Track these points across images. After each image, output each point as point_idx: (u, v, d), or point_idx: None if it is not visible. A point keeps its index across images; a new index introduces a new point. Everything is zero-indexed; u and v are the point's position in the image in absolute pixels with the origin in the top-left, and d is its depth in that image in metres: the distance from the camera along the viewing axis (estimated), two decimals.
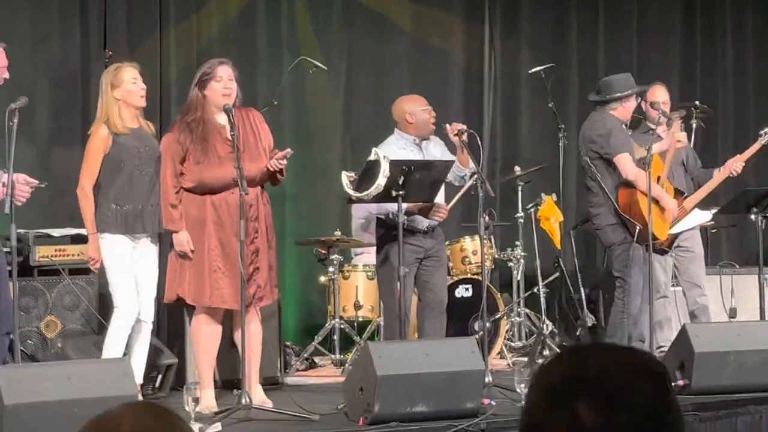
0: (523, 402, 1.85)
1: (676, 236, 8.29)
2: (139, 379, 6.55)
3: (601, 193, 7.89)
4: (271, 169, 6.71)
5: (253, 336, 6.69)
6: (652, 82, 8.62)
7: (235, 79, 6.81)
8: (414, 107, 7.51)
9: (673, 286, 8.58)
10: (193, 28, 9.32)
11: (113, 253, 6.58)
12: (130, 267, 6.62)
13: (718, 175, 8.37)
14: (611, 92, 8.02)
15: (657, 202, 7.83)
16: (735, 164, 8.33)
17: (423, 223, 7.44)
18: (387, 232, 7.37)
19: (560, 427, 1.74)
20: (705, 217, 8.49)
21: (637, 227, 7.66)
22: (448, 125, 7.33)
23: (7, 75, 6.30)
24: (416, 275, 7.48)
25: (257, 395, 6.63)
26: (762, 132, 8.35)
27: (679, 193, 8.25)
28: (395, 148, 7.35)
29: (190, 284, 6.64)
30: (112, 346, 6.50)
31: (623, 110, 8.03)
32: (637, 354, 1.84)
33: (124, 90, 6.62)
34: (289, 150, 6.78)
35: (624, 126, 8.05)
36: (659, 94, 8.38)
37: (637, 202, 7.70)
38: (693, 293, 8.46)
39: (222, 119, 6.67)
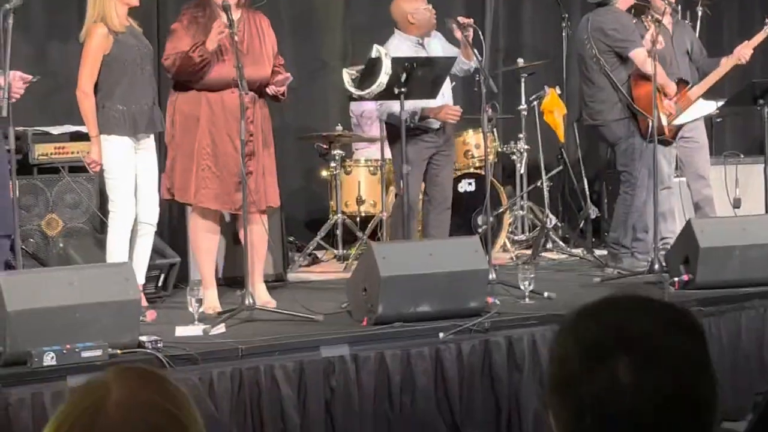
0: (553, 349, 1.79)
1: (680, 127, 8.21)
2: (141, 279, 6.54)
3: (609, 87, 7.78)
4: (270, 93, 6.61)
5: (255, 237, 6.64)
6: None
7: None
8: (415, 6, 7.39)
9: (676, 177, 8.52)
10: None
11: (117, 155, 6.49)
12: (132, 169, 6.55)
13: (725, 63, 8.22)
14: None
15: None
16: (743, 51, 8.20)
17: (435, 122, 7.36)
18: (397, 129, 7.28)
19: (597, 383, 1.69)
20: (710, 107, 8.39)
21: (649, 119, 7.57)
22: (451, 21, 7.20)
23: None
24: (425, 171, 7.46)
25: (261, 295, 6.62)
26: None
27: (683, 83, 8.14)
28: (399, 50, 7.22)
29: (179, 181, 6.59)
30: (116, 251, 6.47)
31: (624, 1, 7.90)
32: (678, 311, 1.78)
33: None
34: (289, 75, 6.66)
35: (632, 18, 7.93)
36: None
37: (649, 94, 7.59)
38: (697, 184, 8.41)
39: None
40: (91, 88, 6.44)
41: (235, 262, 7.28)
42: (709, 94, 8.39)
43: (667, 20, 8.26)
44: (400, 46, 7.34)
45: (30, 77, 6.13)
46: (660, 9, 8.04)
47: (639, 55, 7.69)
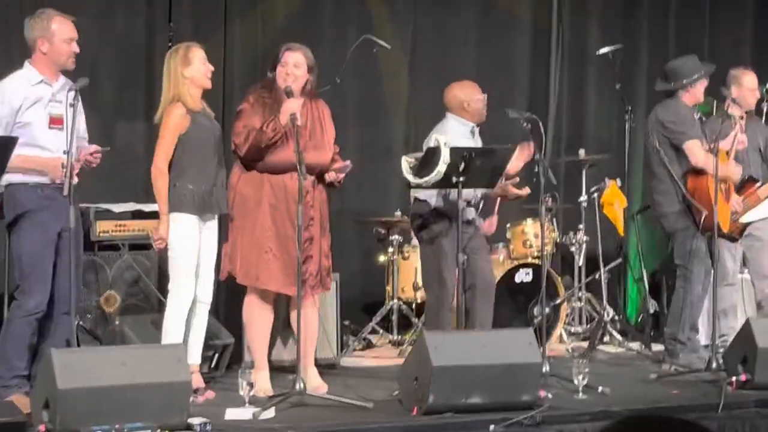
0: None
1: (747, 224, 8.15)
2: (197, 359, 6.57)
3: (668, 179, 7.77)
4: (329, 180, 6.69)
5: (309, 321, 6.67)
6: (721, 64, 8.44)
7: (309, 66, 6.75)
8: (471, 95, 7.46)
9: (741, 274, 8.45)
10: (258, 3, 9.26)
11: (184, 235, 6.50)
12: (196, 250, 6.57)
13: None
14: (678, 79, 7.90)
15: (724, 190, 7.70)
16: None
17: (471, 213, 7.39)
18: (431, 215, 7.29)
19: None
20: None
21: (704, 213, 7.53)
22: (512, 111, 7.28)
23: (77, 49, 6.28)
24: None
25: (312, 380, 6.62)
26: None
27: (752, 181, 8.09)
28: (457, 135, 7.26)
29: (241, 263, 6.64)
30: (172, 330, 6.47)
31: (691, 95, 7.90)
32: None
33: (195, 69, 6.56)
34: (348, 163, 6.75)
35: (695, 112, 7.91)
36: (747, 80, 8.24)
37: (705, 188, 7.56)
38: (761, 284, 8.33)
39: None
40: (166, 166, 6.49)
41: (287, 346, 7.28)
42: None
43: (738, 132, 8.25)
44: (457, 128, 7.38)
45: (99, 148, 6.25)
46: (751, 105, 8.09)
47: (692, 147, 7.67)
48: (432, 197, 7.27)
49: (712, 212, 7.45)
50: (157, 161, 6.49)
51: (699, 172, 7.67)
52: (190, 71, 6.54)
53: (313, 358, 6.89)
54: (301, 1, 9.49)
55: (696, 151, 7.65)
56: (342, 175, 6.73)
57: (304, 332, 6.48)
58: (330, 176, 6.68)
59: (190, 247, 6.54)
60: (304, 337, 6.50)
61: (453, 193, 7.13)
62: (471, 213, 7.42)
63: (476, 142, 7.45)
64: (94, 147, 6.24)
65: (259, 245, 6.59)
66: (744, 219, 8.08)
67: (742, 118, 7.75)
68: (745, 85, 8.25)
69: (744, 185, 8.08)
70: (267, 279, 6.61)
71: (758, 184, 8.12)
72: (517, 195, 7.51)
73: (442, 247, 7.27)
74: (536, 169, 7.15)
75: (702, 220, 7.58)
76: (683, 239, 7.76)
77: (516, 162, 7.30)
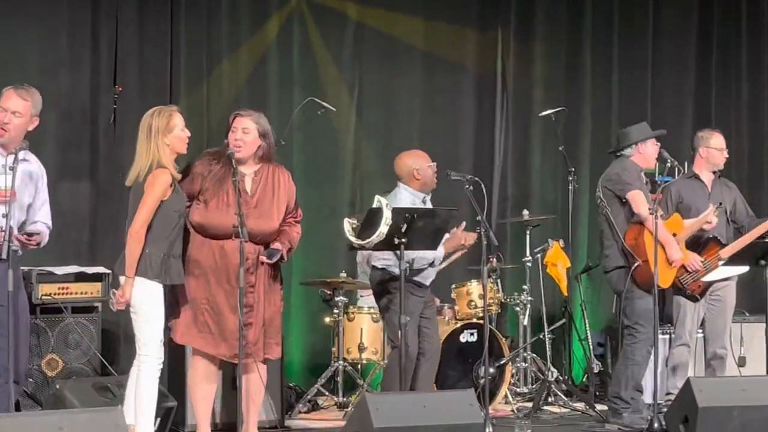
0: None
1: (710, 284, 8.22)
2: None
3: (611, 234, 7.83)
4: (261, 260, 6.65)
5: (252, 385, 6.64)
6: (662, 124, 8.59)
7: (261, 132, 6.74)
8: (421, 163, 7.47)
9: (698, 333, 8.53)
10: (203, 63, 9.31)
11: (155, 300, 6.39)
12: (163, 314, 6.51)
13: (758, 228, 8.21)
14: (627, 141, 7.99)
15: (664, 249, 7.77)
16: None
17: (428, 279, 7.43)
18: (388, 281, 7.32)
19: None
20: (740, 269, 8.35)
21: (637, 262, 7.59)
22: (454, 173, 7.35)
23: (7, 120, 6.23)
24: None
25: None
26: None
27: (715, 241, 8.17)
28: (408, 203, 7.32)
29: (179, 323, 6.60)
30: (152, 393, 6.41)
31: (641, 157, 7.99)
32: None
33: (175, 136, 6.47)
34: (281, 249, 6.68)
35: (642, 173, 7.98)
36: (722, 140, 8.40)
37: (643, 239, 7.63)
38: (714, 344, 8.38)
39: (244, 170, 6.66)
40: (145, 231, 6.34)
41: (231, 407, 7.23)
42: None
43: (707, 178, 8.35)
44: (408, 198, 7.40)
45: (41, 239, 6.19)
46: (719, 164, 8.28)
47: (635, 197, 7.75)
48: (391, 266, 7.27)
49: (648, 265, 7.53)
50: (137, 225, 6.31)
51: (638, 222, 7.74)
52: (170, 138, 6.47)
53: (256, 421, 6.85)
54: (247, 64, 9.54)
55: (639, 201, 7.72)
56: (270, 260, 6.63)
57: (245, 396, 6.45)
58: (261, 259, 6.62)
59: (160, 311, 6.43)
60: (246, 401, 6.46)
61: (415, 258, 7.23)
62: (431, 275, 7.46)
63: None
64: (36, 237, 6.14)
65: (195, 306, 6.57)
66: (706, 278, 8.15)
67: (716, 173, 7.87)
68: (713, 145, 8.36)
69: (707, 245, 8.16)
70: (204, 342, 6.58)
71: (722, 246, 8.19)
72: (470, 239, 7.50)
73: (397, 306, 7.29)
74: (477, 230, 7.18)
75: (634, 267, 7.64)
76: (629, 299, 7.80)
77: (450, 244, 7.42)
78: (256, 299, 6.60)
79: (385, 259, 7.29)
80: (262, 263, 6.61)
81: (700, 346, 8.66)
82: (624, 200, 7.81)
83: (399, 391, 6.90)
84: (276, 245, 6.65)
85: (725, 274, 8.24)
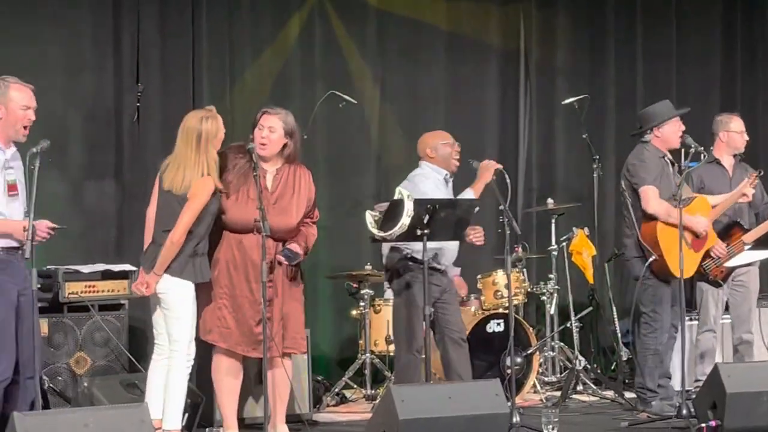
0: None
1: (732, 270, 8.19)
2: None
3: (631, 221, 7.80)
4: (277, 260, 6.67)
5: (277, 381, 6.67)
6: (691, 111, 8.54)
7: (287, 131, 6.78)
8: (436, 141, 7.50)
9: (723, 320, 8.50)
10: (225, 60, 9.33)
11: (187, 298, 6.49)
12: (195, 313, 6.59)
13: None
14: (648, 123, 7.93)
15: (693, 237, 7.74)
16: None
17: (444, 262, 7.42)
18: (403, 264, 7.32)
19: None
20: (764, 253, 8.32)
21: (653, 256, 7.56)
22: (476, 162, 7.33)
23: (33, 117, 6.26)
24: (436, 313, 7.47)
25: None
26: None
27: (738, 227, 8.15)
28: (430, 180, 7.36)
29: (200, 318, 6.63)
30: (182, 389, 6.53)
31: (660, 140, 7.90)
32: None
33: (219, 140, 6.54)
34: (300, 252, 6.73)
35: (664, 157, 7.90)
36: (741, 123, 8.40)
37: (653, 234, 7.60)
38: (740, 329, 8.38)
39: (267, 167, 6.69)
40: (184, 239, 6.40)
41: (258, 403, 7.26)
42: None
43: (727, 162, 8.33)
44: (430, 173, 7.44)
45: (56, 226, 6.20)
46: (740, 148, 8.28)
47: (645, 192, 7.70)
48: (408, 244, 7.26)
49: (664, 260, 7.51)
50: (179, 233, 6.37)
51: (651, 217, 7.71)
52: (216, 143, 6.50)
53: (284, 415, 6.87)
54: (269, 59, 9.55)
55: (649, 197, 7.66)
56: (287, 263, 6.66)
57: (271, 391, 6.47)
58: (278, 258, 6.65)
59: (192, 310, 6.53)
60: (272, 396, 6.49)
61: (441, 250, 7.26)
62: (449, 260, 7.45)
63: (448, 192, 7.48)
64: (49, 223, 6.16)
65: (214, 302, 6.61)
66: (729, 264, 8.13)
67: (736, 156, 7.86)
68: (733, 128, 8.36)
69: (730, 230, 8.13)
70: (219, 336, 6.62)
71: (744, 230, 8.17)
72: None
73: (413, 297, 7.28)
74: (501, 219, 7.17)
75: (660, 265, 7.62)
76: (646, 286, 7.77)
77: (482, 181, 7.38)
78: (274, 294, 6.61)
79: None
80: (279, 263, 6.62)
81: (727, 331, 8.63)
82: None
83: (425, 383, 6.90)
84: (293, 246, 6.66)
85: (748, 259, 8.21)
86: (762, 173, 8.18)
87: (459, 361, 7.41)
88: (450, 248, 7.41)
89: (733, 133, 8.35)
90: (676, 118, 7.93)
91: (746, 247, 8.11)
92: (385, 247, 8.42)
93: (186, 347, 6.51)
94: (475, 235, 7.36)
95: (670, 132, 7.91)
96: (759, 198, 8.43)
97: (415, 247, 7.14)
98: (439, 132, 7.68)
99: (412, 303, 7.25)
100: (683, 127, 7.97)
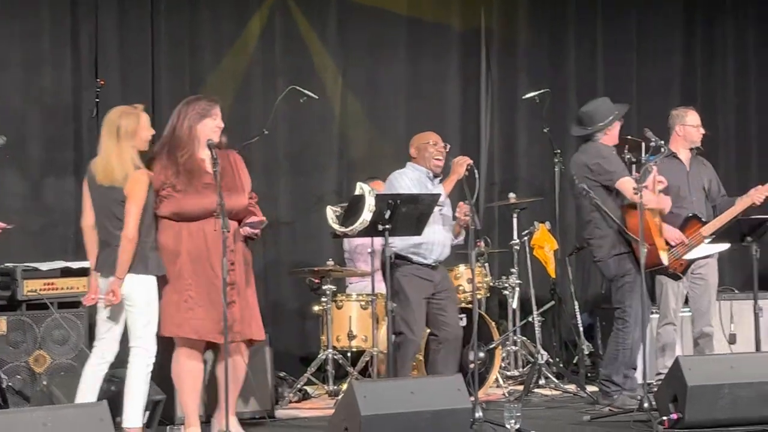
0: None
1: (691, 262, 8.22)
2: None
3: (604, 221, 7.77)
4: (244, 234, 6.69)
5: (236, 368, 6.63)
6: (645, 105, 8.59)
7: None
8: (420, 141, 7.62)
9: (683, 312, 8.54)
10: (185, 57, 9.28)
11: (151, 293, 6.48)
12: (158, 308, 6.57)
13: (738, 204, 8.26)
14: (593, 124, 7.95)
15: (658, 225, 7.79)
16: (757, 194, 8.26)
17: (431, 256, 7.41)
18: (394, 264, 7.32)
19: None
20: (721, 246, 8.36)
21: (645, 248, 7.57)
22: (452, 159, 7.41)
23: None
24: (428, 310, 7.46)
25: (233, 429, 6.59)
26: None
27: (696, 219, 8.18)
28: (408, 178, 7.43)
29: (162, 314, 6.58)
30: (143, 389, 6.50)
31: (609, 137, 7.96)
32: None
33: (141, 138, 6.51)
34: (264, 219, 6.75)
35: (613, 151, 7.96)
36: (697, 117, 8.40)
37: (646, 222, 7.62)
38: (700, 322, 8.42)
39: (204, 154, 6.65)
40: (137, 234, 6.39)
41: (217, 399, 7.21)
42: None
43: (684, 156, 8.37)
44: (410, 172, 7.52)
45: (4, 225, 6.14)
46: (696, 141, 8.29)
47: (625, 184, 7.70)
48: (394, 246, 7.27)
49: (654, 246, 7.56)
50: (131, 232, 6.34)
51: (632, 207, 7.71)
52: (137, 141, 6.48)
53: (234, 407, 6.83)
54: (229, 53, 9.51)
55: (629, 187, 7.68)
56: (257, 231, 6.68)
57: (231, 380, 6.47)
58: (245, 231, 6.65)
59: (155, 306, 6.51)
60: (229, 386, 6.48)
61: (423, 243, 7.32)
62: (435, 254, 7.48)
63: (433, 190, 7.49)
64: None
65: (179, 294, 6.55)
66: (688, 256, 8.16)
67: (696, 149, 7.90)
68: (689, 122, 8.41)
69: (688, 223, 8.16)
70: (191, 329, 6.56)
71: (702, 223, 8.20)
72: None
73: (406, 294, 7.34)
74: (466, 214, 7.18)
75: (643, 255, 7.62)
76: (624, 283, 7.77)
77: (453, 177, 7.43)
78: (236, 278, 6.61)
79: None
80: (248, 236, 6.63)
81: (687, 325, 8.67)
82: (611, 189, 7.76)
83: (387, 378, 6.90)
84: (251, 218, 6.66)
85: (706, 251, 8.25)
86: None
87: (446, 364, 7.44)
88: (438, 242, 7.42)
89: (689, 126, 8.40)
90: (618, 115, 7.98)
91: (705, 240, 8.15)
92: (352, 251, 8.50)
93: (150, 344, 6.48)
94: (463, 214, 7.39)
95: (616, 129, 7.97)
96: (716, 191, 8.49)
97: (399, 245, 7.16)
98: (427, 133, 7.71)
99: (402, 299, 7.31)
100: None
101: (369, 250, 8.21)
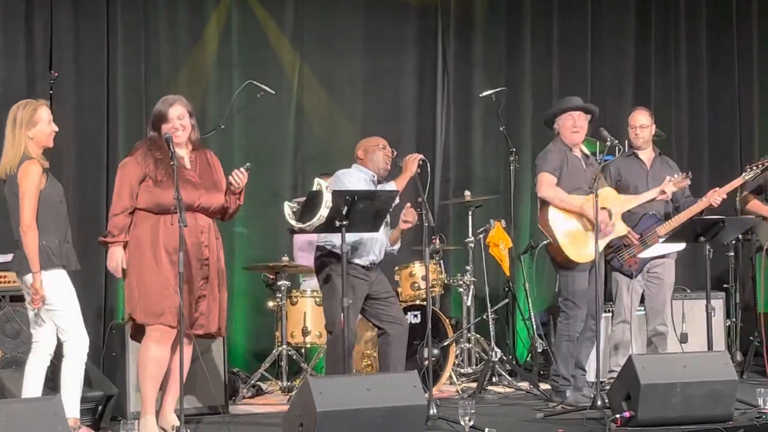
0: None
1: (647, 261, 8.28)
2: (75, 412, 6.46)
3: None
4: (232, 182, 6.75)
5: (177, 362, 6.61)
6: (602, 101, 8.64)
7: (190, 113, 6.78)
8: (367, 144, 7.58)
9: (639, 311, 8.59)
10: (141, 48, 9.21)
11: (64, 288, 6.47)
12: (75, 298, 6.54)
13: (696, 205, 8.34)
14: (548, 122, 8.06)
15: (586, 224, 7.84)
16: (714, 195, 8.32)
17: (367, 259, 7.41)
18: (328, 260, 7.31)
19: None
20: (677, 246, 8.42)
21: (546, 240, 7.73)
22: (401, 160, 7.37)
23: None
24: (371, 310, 7.45)
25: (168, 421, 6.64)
26: (747, 167, 8.37)
27: (654, 219, 8.23)
28: (353, 179, 7.38)
29: (141, 302, 6.56)
30: (78, 380, 6.45)
31: (561, 133, 7.99)
32: None
33: (39, 130, 6.49)
34: (248, 165, 6.84)
35: (571, 151, 7.96)
36: (638, 118, 8.43)
37: (546, 219, 7.72)
38: (655, 321, 8.47)
39: (180, 152, 6.71)
40: (35, 223, 6.38)
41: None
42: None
43: (646, 156, 8.42)
44: (354, 173, 7.46)
45: None
46: (633, 141, 8.37)
47: (540, 178, 7.82)
48: (331, 242, 7.27)
49: (558, 245, 7.67)
50: (27, 219, 6.38)
51: (545, 203, 7.80)
52: (34, 132, 6.47)
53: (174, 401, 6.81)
54: (186, 46, 9.45)
55: (541, 182, 7.78)
56: (243, 178, 6.74)
57: (174, 371, 6.51)
58: (232, 176, 6.73)
59: (73, 297, 6.51)
60: (176, 377, 6.47)
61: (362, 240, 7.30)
62: (370, 255, 7.44)
63: None
64: None
65: (161, 283, 6.53)
66: (642, 255, 8.22)
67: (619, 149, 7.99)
68: (629, 122, 8.47)
69: (644, 222, 8.21)
70: (171, 316, 6.53)
71: (658, 223, 8.26)
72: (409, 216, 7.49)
73: (334, 289, 7.27)
74: (419, 210, 7.18)
75: (556, 254, 7.72)
76: (563, 275, 7.87)
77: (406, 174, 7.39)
78: (210, 273, 6.66)
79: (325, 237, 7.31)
80: (236, 182, 6.73)
81: (641, 323, 8.73)
82: None
83: (342, 375, 6.88)
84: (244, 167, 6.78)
85: (662, 251, 8.31)
86: (690, 175, 8.29)
87: (395, 356, 7.45)
88: (372, 240, 7.39)
89: (629, 127, 8.50)
90: (567, 112, 7.98)
91: (660, 240, 8.21)
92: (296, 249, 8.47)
93: (82, 334, 6.49)
94: (408, 216, 7.39)
95: (565, 124, 7.97)
96: (679, 192, 8.53)
97: (336, 242, 7.13)
98: (376, 137, 7.67)
99: (333, 295, 7.25)
100: (580, 122, 8.00)
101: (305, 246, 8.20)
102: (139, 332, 6.75)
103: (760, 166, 8.32)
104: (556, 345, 7.96)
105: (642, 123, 8.47)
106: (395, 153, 7.60)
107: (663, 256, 8.39)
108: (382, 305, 7.47)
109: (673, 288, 8.58)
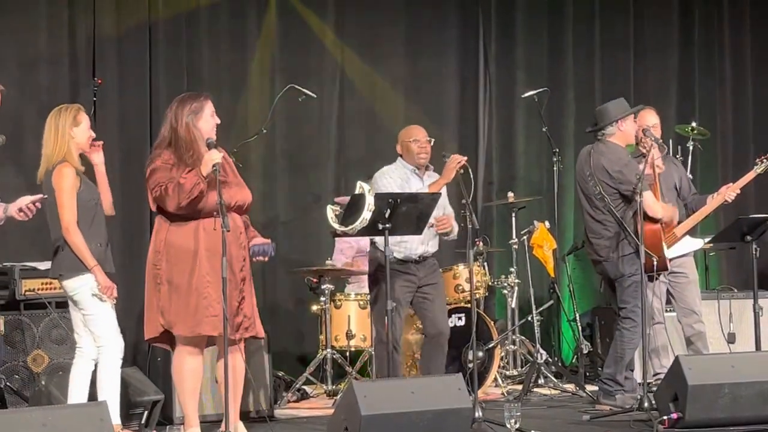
0: None
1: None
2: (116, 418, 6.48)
3: (615, 224, 7.69)
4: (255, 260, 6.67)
5: (237, 368, 6.57)
6: (647, 104, 8.54)
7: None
8: (405, 136, 7.57)
9: (667, 311, 8.49)
10: (183, 55, 9.25)
11: (92, 291, 6.49)
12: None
13: (711, 203, 8.25)
14: (606, 120, 7.88)
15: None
16: (728, 192, 8.23)
17: (416, 251, 7.38)
18: (377, 258, 7.31)
19: None
20: (696, 244, 8.35)
21: (655, 259, 7.55)
22: (448, 154, 7.32)
23: None
24: (416, 307, 7.43)
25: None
26: (757, 160, 8.27)
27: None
28: (392, 177, 7.39)
29: (178, 314, 6.47)
30: (114, 386, 6.47)
31: (622, 135, 7.87)
32: None
33: (81, 132, 6.55)
34: (269, 241, 6.68)
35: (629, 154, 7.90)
36: (648, 118, 8.30)
37: (652, 234, 7.60)
38: (689, 319, 8.35)
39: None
40: (76, 222, 6.43)
41: (217, 400, 7.19)
42: (702, 229, 8.38)
43: (655, 155, 8.32)
44: (395, 168, 7.49)
45: (37, 197, 6.22)
46: (647, 145, 8.08)
47: (647, 199, 7.60)
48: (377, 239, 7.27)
49: (662, 258, 7.60)
50: (68, 221, 6.42)
51: (654, 220, 7.69)
52: (76, 132, 6.52)
53: (238, 410, 6.78)
54: (228, 51, 9.48)
55: (651, 203, 7.62)
56: (265, 257, 6.64)
57: (233, 379, 6.38)
58: (256, 259, 6.61)
59: (107, 302, 6.50)
60: (233, 385, 6.40)
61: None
62: (415, 249, 7.43)
63: (421, 185, 7.47)
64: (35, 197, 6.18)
65: (198, 292, 6.42)
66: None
67: (643, 156, 7.83)
68: (638, 123, 8.27)
69: (662, 223, 8.15)
70: (210, 327, 6.45)
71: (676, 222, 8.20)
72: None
73: (380, 291, 7.28)
74: (462, 213, 7.16)
75: (652, 263, 7.59)
76: (630, 284, 7.72)
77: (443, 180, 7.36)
78: (247, 274, 6.55)
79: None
80: (255, 259, 6.60)
81: (675, 323, 8.60)
82: (630, 199, 7.66)
83: (387, 378, 6.87)
84: (259, 240, 6.61)
85: (681, 251, 8.22)
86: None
87: (433, 359, 7.43)
88: (416, 239, 7.40)
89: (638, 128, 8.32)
90: (632, 115, 7.92)
91: (681, 237, 8.15)
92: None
93: (115, 338, 6.49)
94: (441, 224, 7.36)
95: (630, 128, 7.88)
96: (687, 189, 8.45)
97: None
98: (410, 128, 7.68)
99: (382, 299, 7.24)
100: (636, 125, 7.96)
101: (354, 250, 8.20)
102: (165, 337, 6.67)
103: None
104: (619, 351, 7.73)
105: (654, 123, 8.34)
106: (433, 141, 7.57)
107: (681, 256, 8.28)
108: (422, 305, 7.44)
109: (698, 284, 8.45)
